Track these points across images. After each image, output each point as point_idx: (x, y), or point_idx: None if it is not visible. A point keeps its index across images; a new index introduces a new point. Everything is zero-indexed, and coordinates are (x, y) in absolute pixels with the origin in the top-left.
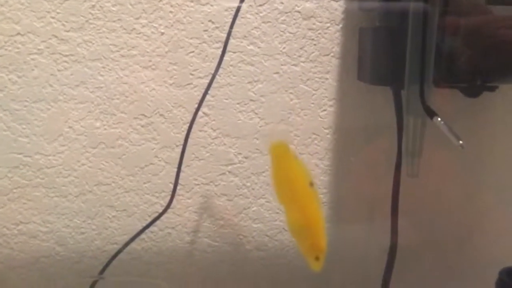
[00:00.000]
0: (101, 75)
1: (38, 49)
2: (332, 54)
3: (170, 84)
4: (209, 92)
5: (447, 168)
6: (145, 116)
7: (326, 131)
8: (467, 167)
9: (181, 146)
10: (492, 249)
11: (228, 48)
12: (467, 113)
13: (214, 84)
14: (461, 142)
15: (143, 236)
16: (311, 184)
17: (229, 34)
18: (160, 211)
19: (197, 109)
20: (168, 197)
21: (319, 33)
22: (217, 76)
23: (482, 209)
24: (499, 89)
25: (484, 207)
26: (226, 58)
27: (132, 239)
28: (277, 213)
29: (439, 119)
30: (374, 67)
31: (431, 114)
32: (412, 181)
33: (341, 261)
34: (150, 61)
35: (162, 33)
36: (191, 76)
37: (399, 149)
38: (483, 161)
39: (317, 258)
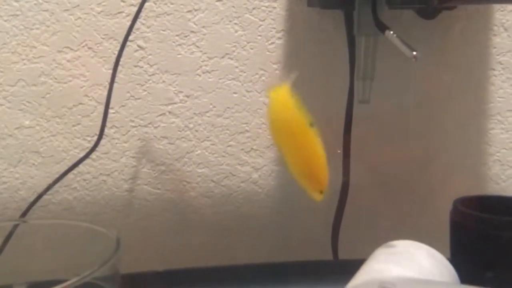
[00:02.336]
0: (17, 1)
1: None
2: None
3: (99, 12)
4: (144, 22)
5: (400, 97)
6: (71, 49)
7: (275, 66)
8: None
9: (113, 84)
10: (445, 183)
11: None
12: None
13: (149, 13)
14: (414, 53)
15: (74, 184)
16: (311, 124)
17: None
18: (93, 157)
19: (125, 39)
20: (102, 141)
21: None
22: (152, 4)
23: (436, 143)
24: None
25: (439, 140)
26: None
27: (54, 183)
28: (223, 156)
29: (391, 32)
30: None
31: (383, 28)
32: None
33: (290, 204)
34: None
35: None
36: (122, 4)
37: (351, 78)
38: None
39: (320, 192)
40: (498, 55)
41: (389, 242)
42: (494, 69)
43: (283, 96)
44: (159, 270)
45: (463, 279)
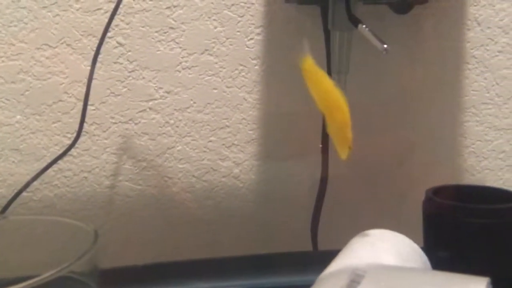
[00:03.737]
0: None
1: None
2: None
3: (77, 9)
4: (123, 18)
5: (377, 90)
6: (50, 46)
7: (254, 61)
8: (397, 92)
9: (93, 81)
10: (422, 175)
11: None
12: (397, 32)
13: (128, 10)
14: (385, 46)
15: (55, 181)
16: (335, 85)
17: None
18: (74, 154)
19: (103, 36)
20: (82, 137)
21: None
22: (131, 1)
23: (413, 136)
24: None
25: (415, 133)
26: None
27: (33, 179)
28: (204, 151)
29: (363, 26)
30: None
31: (356, 22)
32: None
33: (271, 198)
34: None
35: None
36: (100, 0)
37: (328, 72)
38: (415, 85)
39: (349, 148)
40: (472, 49)
41: (364, 231)
42: (468, 63)
43: (313, 66)
44: (138, 265)
45: (435, 267)
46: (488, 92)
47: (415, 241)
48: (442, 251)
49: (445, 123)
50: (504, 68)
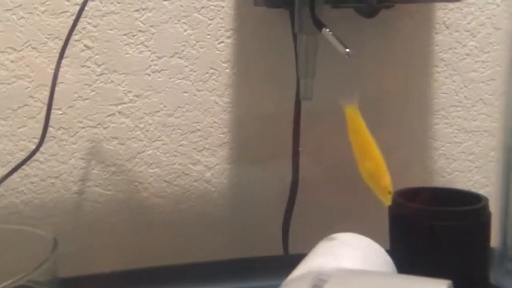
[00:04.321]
0: None
1: None
2: None
3: (42, 12)
4: (90, 21)
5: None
6: (14, 49)
7: (225, 65)
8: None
9: (60, 85)
10: (393, 177)
11: None
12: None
13: (95, 13)
14: (347, 50)
15: (21, 187)
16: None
17: None
18: (41, 159)
19: (67, 38)
20: (49, 142)
21: None
22: (98, 3)
23: (383, 139)
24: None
25: (386, 136)
26: None
27: None
28: (175, 156)
29: (327, 30)
30: None
31: (320, 26)
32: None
33: (243, 202)
34: None
35: None
36: (67, 3)
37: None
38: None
39: (389, 193)
40: (440, 52)
41: (331, 235)
42: (437, 66)
43: (356, 113)
44: (106, 272)
45: (401, 269)
46: (457, 95)
47: (384, 244)
48: (407, 253)
49: (415, 125)
50: (472, 71)
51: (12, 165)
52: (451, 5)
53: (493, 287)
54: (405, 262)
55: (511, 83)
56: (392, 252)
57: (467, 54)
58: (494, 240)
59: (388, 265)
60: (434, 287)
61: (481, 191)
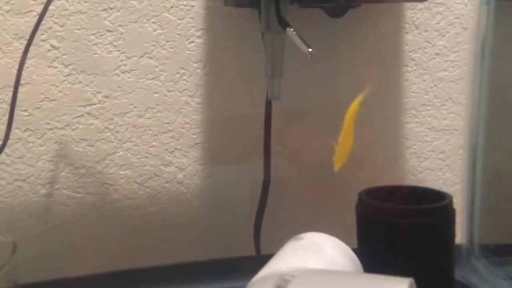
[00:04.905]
0: None
1: None
2: None
3: (7, 11)
4: (56, 21)
5: (314, 92)
6: None
7: (196, 65)
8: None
9: (26, 86)
10: (365, 176)
11: None
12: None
13: (62, 12)
14: (310, 50)
15: None
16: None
17: None
18: (7, 161)
19: (30, 38)
20: (16, 145)
21: None
22: (65, 3)
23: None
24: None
25: (357, 135)
26: None
27: None
28: (147, 157)
29: (291, 29)
30: None
31: (285, 25)
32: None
33: (216, 203)
34: None
35: None
36: (32, 2)
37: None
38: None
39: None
40: (410, 52)
41: (298, 235)
42: (407, 65)
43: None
44: (71, 276)
45: (367, 269)
46: (427, 94)
47: (354, 243)
48: (373, 252)
49: (386, 125)
50: (441, 70)
51: None
52: (420, 5)
53: (459, 284)
54: (371, 261)
55: (475, 83)
56: (359, 252)
57: (437, 54)
58: (462, 237)
59: (354, 265)
60: (395, 285)
61: (451, 189)
